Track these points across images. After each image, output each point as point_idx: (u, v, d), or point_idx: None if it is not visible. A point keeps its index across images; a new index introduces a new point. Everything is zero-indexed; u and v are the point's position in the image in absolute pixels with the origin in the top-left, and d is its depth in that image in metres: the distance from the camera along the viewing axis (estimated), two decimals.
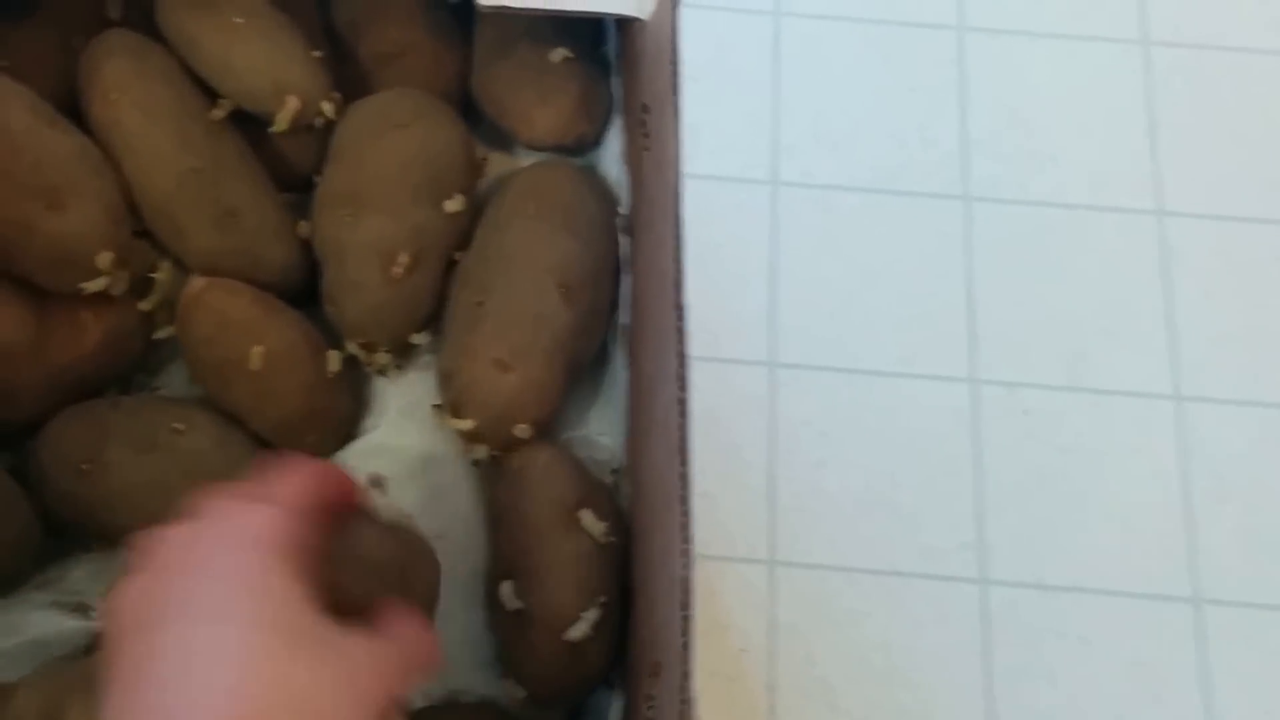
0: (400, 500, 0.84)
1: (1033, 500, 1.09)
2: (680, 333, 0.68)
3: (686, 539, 0.64)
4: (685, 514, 0.65)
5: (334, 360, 0.83)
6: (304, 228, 0.86)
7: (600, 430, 0.86)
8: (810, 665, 1.04)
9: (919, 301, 1.15)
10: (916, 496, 1.09)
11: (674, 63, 0.71)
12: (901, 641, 1.06)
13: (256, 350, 0.80)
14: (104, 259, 0.79)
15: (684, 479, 0.65)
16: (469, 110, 0.89)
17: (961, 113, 1.21)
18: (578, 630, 0.76)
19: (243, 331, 0.80)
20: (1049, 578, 1.07)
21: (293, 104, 0.83)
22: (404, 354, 0.86)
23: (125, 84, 0.82)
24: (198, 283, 0.81)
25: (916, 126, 1.20)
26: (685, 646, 0.63)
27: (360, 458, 0.85)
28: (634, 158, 0.83)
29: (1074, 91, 1.22)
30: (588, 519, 0.78)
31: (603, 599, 0.77)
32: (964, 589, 1.07)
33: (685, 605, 0.63)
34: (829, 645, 1.05)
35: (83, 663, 0.77)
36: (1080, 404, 1.12)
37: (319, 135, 0.87)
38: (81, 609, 0.81)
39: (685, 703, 0.62)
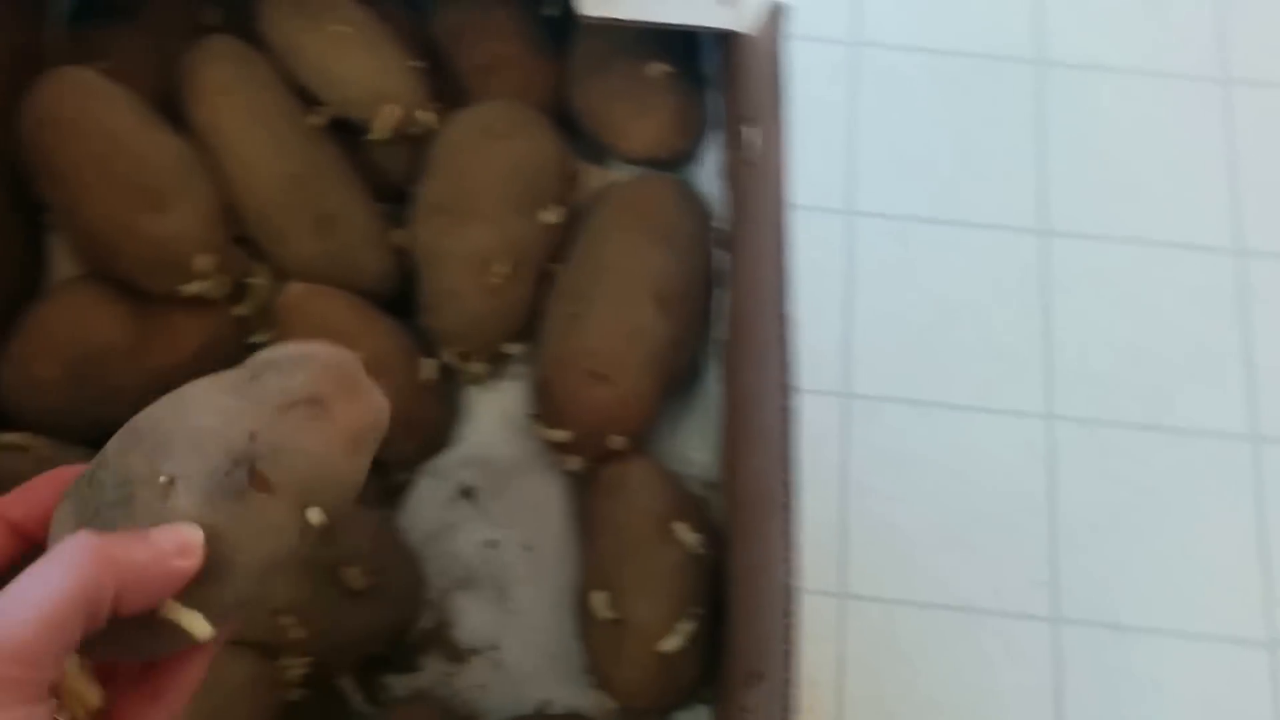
0: (490, 511, 0.84)
1: (1108, 539, 1.08)
2: (785, 342, 0.67)
3: (790, 546, 0.64)
4: (789, 521, 0.64)
5: (428, 368, 0.83)
6: (400, 236, 0.86)
7: (691, 444, 0.86)
8: (879, 700, 1.03)
9: (995, 336, 1.14)
10: (990, 533, 1.08)
11: (780, 75, 0.72)
12: (972, 679, 1.04)
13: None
14: (203, 261, 0.80)
15: (788, 487, 0.65)
16: (562, 123, 0.89)
17: (1040, 147, 1.20)
18: (672, 642, 0.75)
19: (339, 337, 0.79)
20: (1123, 618, 1.06)
21: (392, 113, 0.83)
22: (497, 363, 0.86)
23: (228, 88, 0.83)
24: (296, 288, 0.81)
25: (994, 160, 1.20)
26: (788, 653, 0.62)
27: (451, 467, 0.85)
28: (733, 172, 0.83)
29: (1154, 128, 1.22)
30: (682, 531, 0.77)
31: (697, 610, 0.76)
32: (1037, 628, 1.05)
33: (789, 612, 0.63)
34: (899, 680, 1.04)
35: None
36: (1157, 443, 1.11)
37: (414, 145, 0.87)
38: None
39: (787, 710, 0.61)
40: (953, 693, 1.04)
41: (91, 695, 0.50)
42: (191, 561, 0.48)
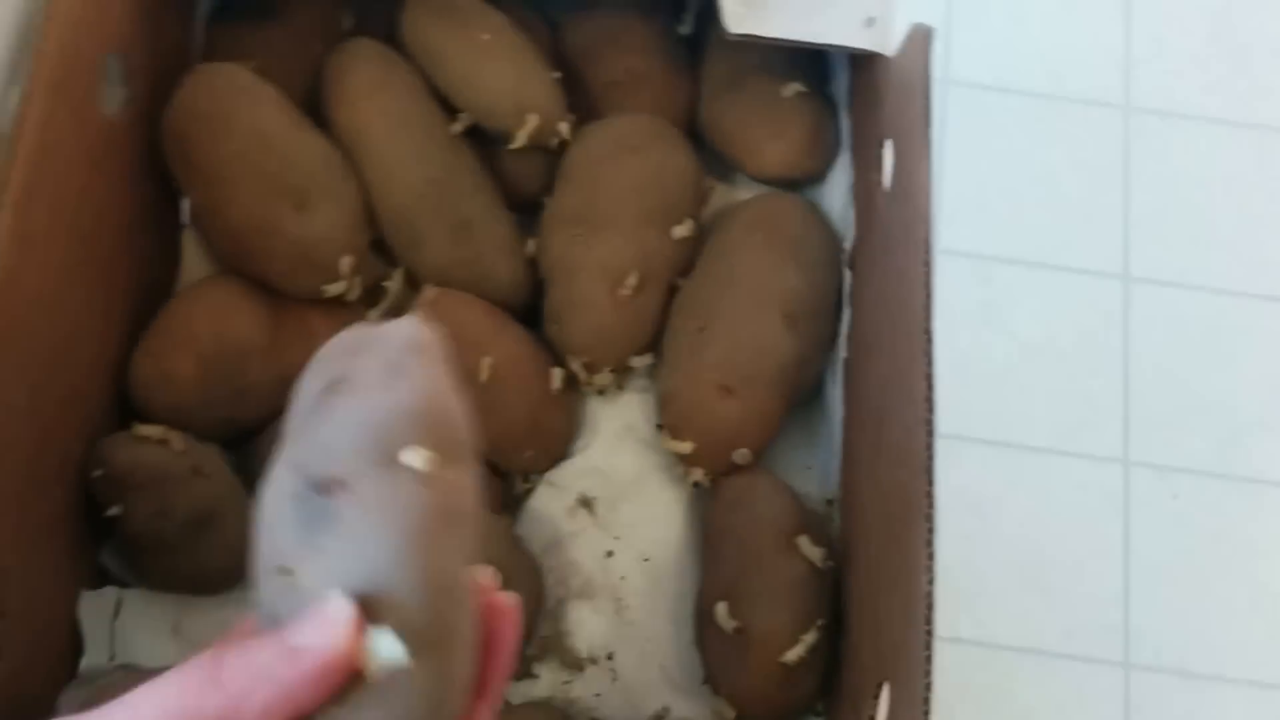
0: (609, 521, 0.85)
1: (1180, 586, 1.09)
2: (929, 357, 0.69)
3: (931, 555, 0.65)
4: (930, 531, 0.65)
5: (557, 377, 0.84)
6: (530, 245, 0.87)
7: (808, 462, 0.87)
8: None
9: (1075, 379, 1.16)
10: (1063, 575, 1.10)
11: (927, 95, 0.73)
12: None
13: (485, 361, 0.80)
14: (345, 263, 0.81)
15: (930, 497, 0.66)
16: (690, 139, 0.91)
17: (1125, 193, 1.22)
18: (795, 653, 0.76)
19: (473, 343, 0.81)
20: (1192, 665, 1.07)
21: (533, 122, 0.84)
22: (623, 376, 0.87)
23: (372, 92, 0.84)
24: (432, 292, 0.82)
25: (1079, 204, 1.22)
26: (929, 659, 0.63)
27: (572, 477, 0.86)
28: (863, 192, 0.84)
29: (1237, 179, 1.24)
30: (806, 545, 0.78)
31: (820, 623, 0.77)
32: (1107, 671, 1.07)
33: (929, 620, 0.64)
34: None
35: None
36: (1232, 492, 1.12)
37: (547, 156, 0.88)
38: None
39: (927, 714, 0.62)
40: None
41: None
42: (345, 635, 0.42)
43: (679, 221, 0.85)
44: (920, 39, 0.75)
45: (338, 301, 0.83)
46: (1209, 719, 1.06)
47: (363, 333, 0.49)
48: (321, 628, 0.42)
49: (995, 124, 1.26)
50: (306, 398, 0.48)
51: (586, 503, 0.85)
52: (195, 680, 0.42)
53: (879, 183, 0.80)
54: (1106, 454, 1.13)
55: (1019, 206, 1.22)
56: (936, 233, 1.18)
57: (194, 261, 0.89)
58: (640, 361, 0.86)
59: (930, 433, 0.68)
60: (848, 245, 0.86)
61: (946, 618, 1.05)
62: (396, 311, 0.84)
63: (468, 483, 0.46)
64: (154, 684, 0.42)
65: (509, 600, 0.49)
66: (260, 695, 0.42)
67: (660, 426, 0.83)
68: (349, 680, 0.43)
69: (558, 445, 0.86)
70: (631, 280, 0.83)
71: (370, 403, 0.45)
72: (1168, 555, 1.10)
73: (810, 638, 0.76)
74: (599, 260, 0.83)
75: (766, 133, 0.88)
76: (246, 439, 0.83)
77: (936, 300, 1.15)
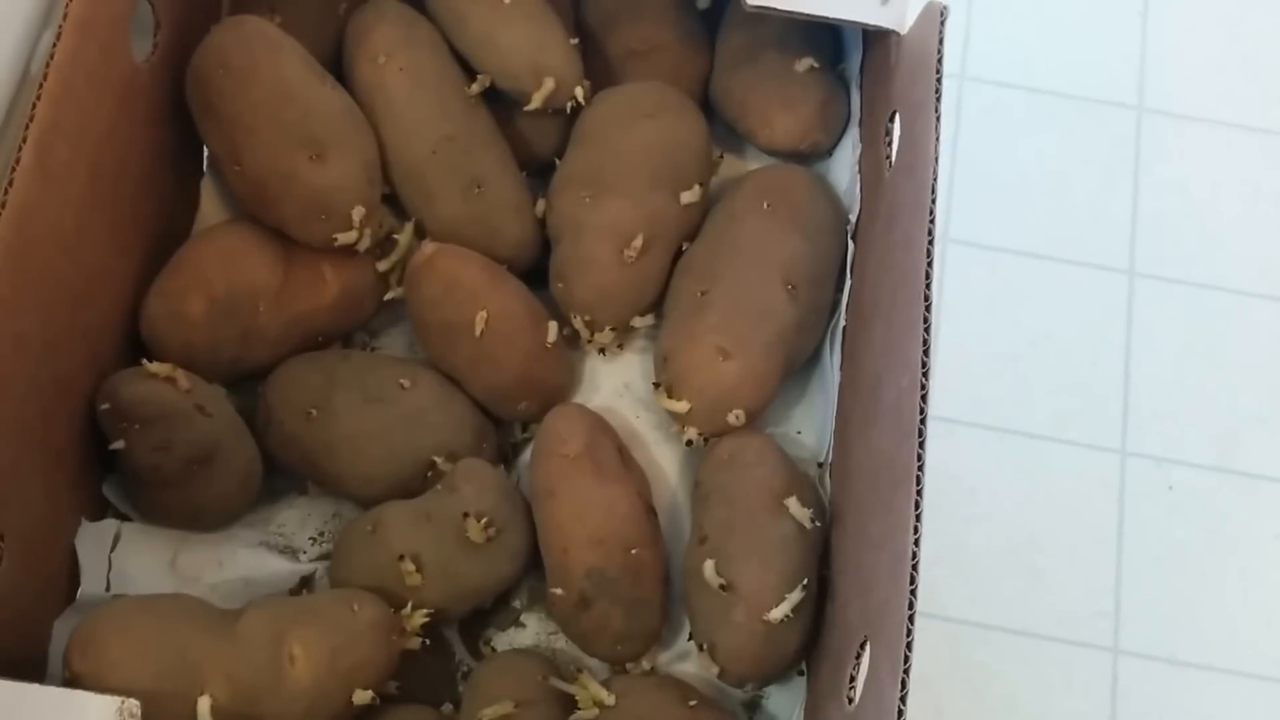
0: None
1: (1171, 575, 1.10)
2: (927, 323, 0.70)
3: (918, 517, 0.66)
4: (919, 493, 0.67)
5: (553, 331, 0.85)
6: (539, 205, 0.89)
7: (800, 427, 0.88)
8: (938, 715, 1.05)
9: (1077, 370, 1.17)
10: (1057, 560, 1.11)
11: (938, 70, 0.75)
12: (1029, 703, 1.07)
13: (480, 315, 0.82)
14: (357, 213, 0.83)
15: (920, 460, 0.67)
16: (703, 110, 0.92)
17: (1134, 190, 1.24)
18: (779, 611, 0.77)
19: (469, 296, 0.83)
20: (1180, 654, 1.08)
21: (549, 85, 0.86)
22: (625, 335, 0.89)
23: (394, 49, 0.86)
24: (429, 247, 0.83)
25: (1088, 199, 1.23)
26: (911, 620, 0.64)
27: None
28: (869, 166, 0.85)
29: (1244, 181, 1.25)
30: (795, 505, 0.79)
31: (805, 582, 0.78)
32: (1096, 656, 1.08)
33: (913, 581, 0.65)
34: (958, 698, 1.06)
35: (305, 598, 0.80)
36: (1227, 486, 1.13)
37: (562, 119, 0.90)
38: (290, 551, 0.83)
39: (907, 672, 0.63)
40: (1010, 714, 1.06)
41: None
42: None
43: (687, 187, 0.87)
44: (932, 16, 0.77)
45: (348, 251, 0.84)
46: (1196, 707, 1.07)
47: None
48: None
49: (1010, 119, 1.27)
50: None
51: None
52: None
53: (886, 156, 0.82)
54: (1104, 444, 1.15)
55: (1029, 200, 1.23)
56: (945, 222, 1.20)
57: (212, 209, 0.91)
58: (642, 322, 0.88)
59: (924, 398, 0.69)
60: (853, 218, 0.87)
61: (937, 596, 1.07)
62: (403, 264, 0.86)
63: None
64: None
65: None
66: None
67: (657, 385, 0.84)
68: None
69: (553, 398, 0.87)
70: (637, 242, 0.84)
71: None
72: (1161, 545, 1.12)
73: (795, 597, 0.77)
74: (606, 221, 0.85)
75: (777, 105, 0.90)
76: (253, 383, 0.85)
77: (942, 287, 1.18)
